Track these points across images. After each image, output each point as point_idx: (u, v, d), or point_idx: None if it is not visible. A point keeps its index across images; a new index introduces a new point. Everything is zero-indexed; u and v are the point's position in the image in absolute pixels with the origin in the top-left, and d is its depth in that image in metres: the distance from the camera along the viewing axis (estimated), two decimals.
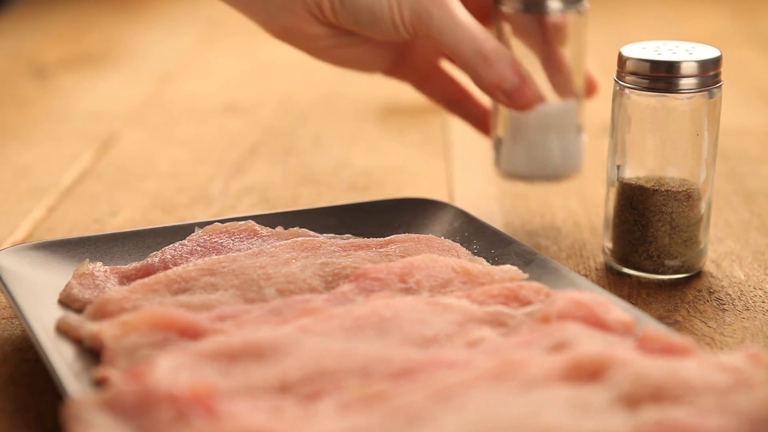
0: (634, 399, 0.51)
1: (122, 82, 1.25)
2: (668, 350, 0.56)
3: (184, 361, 0.54)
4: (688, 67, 0.69)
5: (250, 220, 0.72)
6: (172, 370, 0.53)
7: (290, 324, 0.58)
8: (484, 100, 0.85)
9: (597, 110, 0.94)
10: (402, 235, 0.70)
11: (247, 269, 0.65)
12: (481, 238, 0.72)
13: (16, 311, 0.62)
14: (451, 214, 0.75)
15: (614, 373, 0.53)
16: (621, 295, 0.71)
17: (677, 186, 0.72)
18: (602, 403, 0.51)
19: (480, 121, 0.86)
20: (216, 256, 0.67)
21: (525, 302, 0.62)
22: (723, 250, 0.79)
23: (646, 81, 0.70)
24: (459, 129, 1.04)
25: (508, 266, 0.67)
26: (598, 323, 0.59)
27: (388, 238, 0.70)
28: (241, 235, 0.71)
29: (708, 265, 0.76)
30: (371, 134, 1.08)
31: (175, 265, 0.68)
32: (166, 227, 0.73)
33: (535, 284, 0.63)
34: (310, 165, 0.98)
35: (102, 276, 0.67)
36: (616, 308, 0.60)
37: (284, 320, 0.59)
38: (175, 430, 0.49)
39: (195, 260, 0.68)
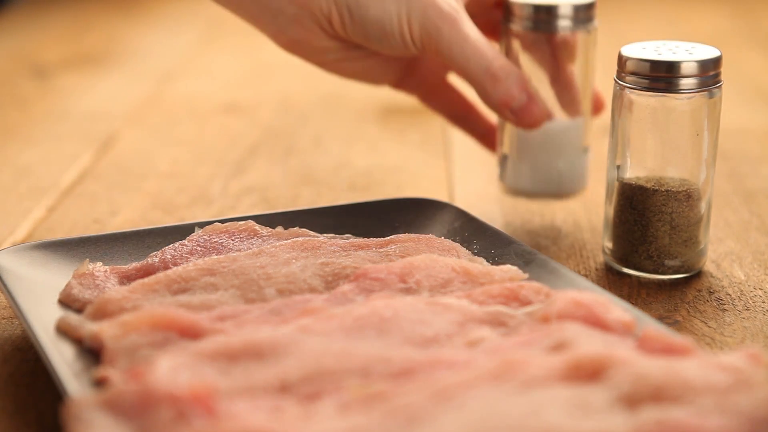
0: (634, 399, 0.51)
1: (122, 82, 1.25)
2: (668, 350, 0.56)
3: (184, 361, 0.54)
4: (688, 67, 0.69)
5: (250, 220, 0.72)
6: (172, 370, 0.53)
7: (290, 324, 0.58)
8: (490, 115, 0.85)
9: None
10: (402, 235, 0.70)
11: (247, 269, 0.65)
12: (481, 238, 0.72)
13: (16, 311, 0.62)
14: (451, 214, 0.75)
15: (614, 373, 0.53)
16: (621, 295, 0.71)
17: (677, 186, 0.72)
18: (602, 403, 0.51)
19: (485, 136, 0.86)
20: (216, 256, 0.67)
21: (525, 302, 0.62)
22: (723, 250, 0.79)
23: (646, 81, 0.70)
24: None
25: (508, 266, 0.67)
26: (598, 323, 0.59)
27: (388, 238, 0.70)
28: (241, 235, 0.71)
29: (708, 265, 0.76)
30: (371, 134, 1.08)
31: (175, 265, 0.68)
32: (166, 227, 0.73)
33: (535, 284, 0.63)
34: (310, 165, 0.98)
35: (102, 276, 0.67)
36: (616, 308, 0.60)
37: (284, 320, 0.59)
38: (175, 430, 0.49)
39: (195, 260, 0.68)
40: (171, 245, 0.70)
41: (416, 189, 0.92)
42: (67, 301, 0.65)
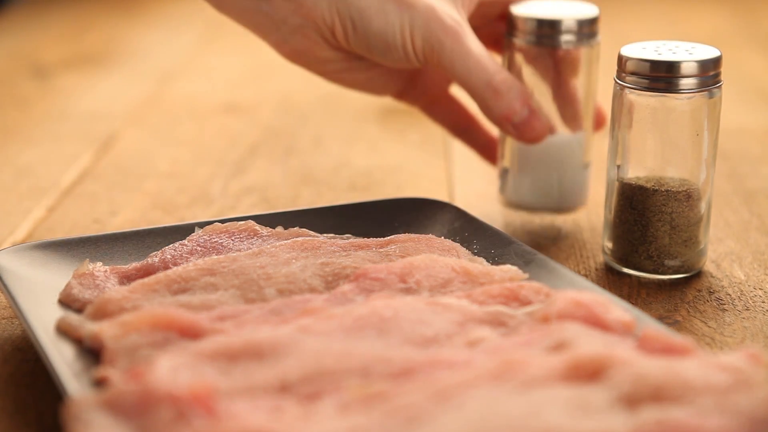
0: (634, 399, 0.51)
1: (122, 82, 1.25)
2: (668, 350, 0.56)
3: (184, 361, 0.54)
4: (688, 67, 0.69)
5: (250, 220, 0.72)
6: (172, 370, 0.53)
7: (290, 324, 0.58)
8: (491, 128, 0.85)
9: None
10: (402, 235, 0.70)
11: (247, 269, 0.65)
12: (481, 238, 0.72)
13: (16, 311, 0.62)
14: (451, 214, 0.75)
15: (614, 373, 0.53)
16: (621, 295, 0.71)
17: (677, 186, 0.72)
18: (602, 403, 0.51)
19: (486, 149, 0.86)
20: (216, 256, 0.67)
21: (525, 302, 0.62)
22: (723, 250, 0.79)
23: (646, 81, 0.70)
24: None
25: (508, 266, 0.67)
26: (598, 323, 0.59)
27: (388, 238, 0.70)
28: (241, 235, 0.71)
29: (708, 265, 0.76)
30: (371, 134, 1.08)
31: (175, 265, 0.68)
32: (166, 227, 0.73)
33: (535, 284, 0.63)
34: (310, 165, 0.98)
35: (102, 276, 0.67)
36: (616, 308, 0.60)
37: (284, 320, 0.59)
38: (175, 430, 0.49)
39: (195, 260, 0.68)
40: (171, 245, 0.70)
41: (416, 189, 0.92)
42: (67, 301, 0.65)
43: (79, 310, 0.64)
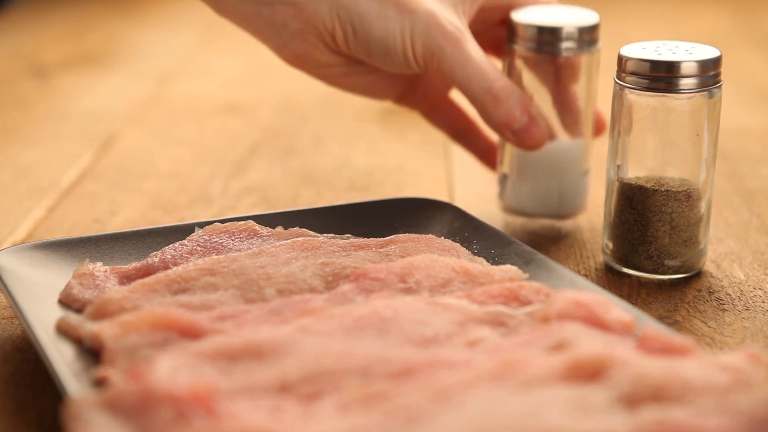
0: (634, 399, 0.51)
1: (122, 82, 1.25)
2: (668, 350, 0.56)
3: (184, 361, 0.54)
4: (688, 67, 0.69)
5: (250, 220, 0.72)
6: (172, 370, 0.53)
7: (290, 324, 0.58)
8: (490, 133, 0.84)
9: None
10: (402, 235, 0.70)
11: (247, 269, 0.65)
12: (481, 238, 0.72)
13: (16, 311, 0.62)
14: (451, 214, 0.75)
15: (614, 373, 0.53)
16: (621, 295, 0.71)
17: (677, 186, 0.72)
18: (602, 403, 0.51)
19: (485, 154, 0.86)
20: (216, 256, 0.67)
21: (525, 302, 0.62)
22: (723, 250, 0.79)
23: (646, 81, 0.70)
24: None
25: (508, 266, 0.67)
26: (598, 323, 0.59)
27: (388, 238, 0.70)
28: (241, 235, 0.71)
29: (708, 265, 0.76)
30: (371, 134, 1.08)
31: (175, 265, 0.68)
32: (166, 227, 0.73)
33: (535, 284, 0.63)
34: (310, 165, 0.98)
35: (102, 276, 0.67)
36: (616, 308, 0.60)
37: (284, 320, 0.59)
38: (175, 430, 0.49)
39: (195, 260, 0.68)
40: (171, 245, 0.70)
41: (416, 189, 0.92)
42: (67, 301, 0.65)
43: (79, 310, 0.64)
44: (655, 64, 0.70)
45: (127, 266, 0.69)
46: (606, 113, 0.82)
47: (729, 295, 0.72)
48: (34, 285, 0.66)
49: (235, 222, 0.72)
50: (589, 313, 0.59)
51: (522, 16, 0.78)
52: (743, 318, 0.69)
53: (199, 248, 0.70)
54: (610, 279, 0.74)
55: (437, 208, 0.76)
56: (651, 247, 0.72)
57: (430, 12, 0.75)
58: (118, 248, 0.71)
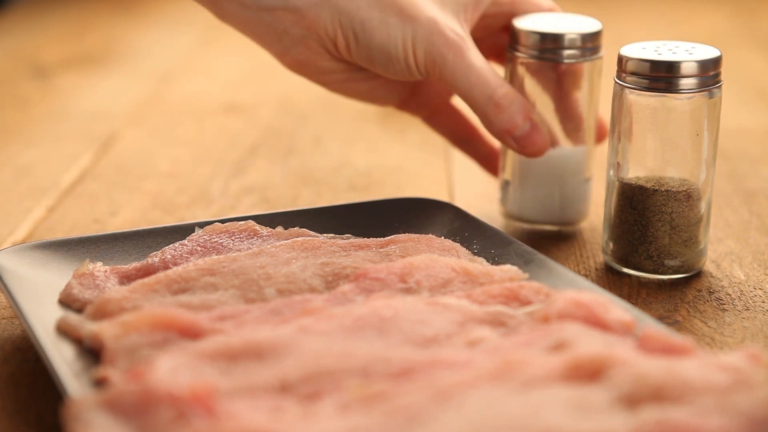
0: (634, 399, 0.51)
1: (122, 82, 1.25)
2: (668, 350, 0.56)
3: (184, 361, 0.54)
4: (688, 67, 0.69)
5: (250, 220, 0.72)
6: (172, 370, 0.53)
7: (290, 324, 0.58)
8: (492, 140, 0.84)
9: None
10: (402, 235, 0.70)
11: (247, 269, 0.65)
12: (481, 238, 0.72)
13: (16, 311, 0.62)
14: (451, 214, 0.75)
15: (614, 373, 0.53)
16: (621, 295, 0.71)
17: (677, 186, 0.72)
18: (602, 403, 0.51)
19: (487, 160, 0.86)
20: (216, 256, 0.67)
21: (525, 302, 0.62)
22: (723, 250, 0.79)
23: (646, 81, 0.70)
24: None
25: (508, 266, 0.67)
26: (598, 323, 0.59)
27: (388, 238, 0.70)
28: (241, 235, 0.71)
29: (708, 265, 0.76)
30: (371, 134, 1.08)
31: (175, 265, 0.68)
32: (166, 227, 0.73)
33: (535, 284, 0.63)
34: (310, 165, 0.98)
35: (102, 276, 0.67)
36: (616, 308, 0.60)
37: (284, 320, 0.59)
38: (175, 430, 0.49)
39: (195, 260, 0.68)
40: (171, 245, 0.70)
41: (416, 189, 0.92)
42: (67, 301, 0.65)
43: (79, 310, 0.64)
44: (655, 64, 0.70)
45: (127, 266, 0.69)
46: (606, 114, 0.82)
47: (729, 295, 0.72)
48: (34, 285, 0.66)
49: (235, 222, 0.72)
50: (589, 313, 0.59)
51: (524, 23, 0.78)
52: (743, 318, 0.69)
53: (199, 248, 0.70)
54: (610, 279, 0.74)
55: (437, 208, 0.76)
56: (651, 247, 0.72)
57: (431, 19, 0.74)
58: (118, 248, 0.71)
